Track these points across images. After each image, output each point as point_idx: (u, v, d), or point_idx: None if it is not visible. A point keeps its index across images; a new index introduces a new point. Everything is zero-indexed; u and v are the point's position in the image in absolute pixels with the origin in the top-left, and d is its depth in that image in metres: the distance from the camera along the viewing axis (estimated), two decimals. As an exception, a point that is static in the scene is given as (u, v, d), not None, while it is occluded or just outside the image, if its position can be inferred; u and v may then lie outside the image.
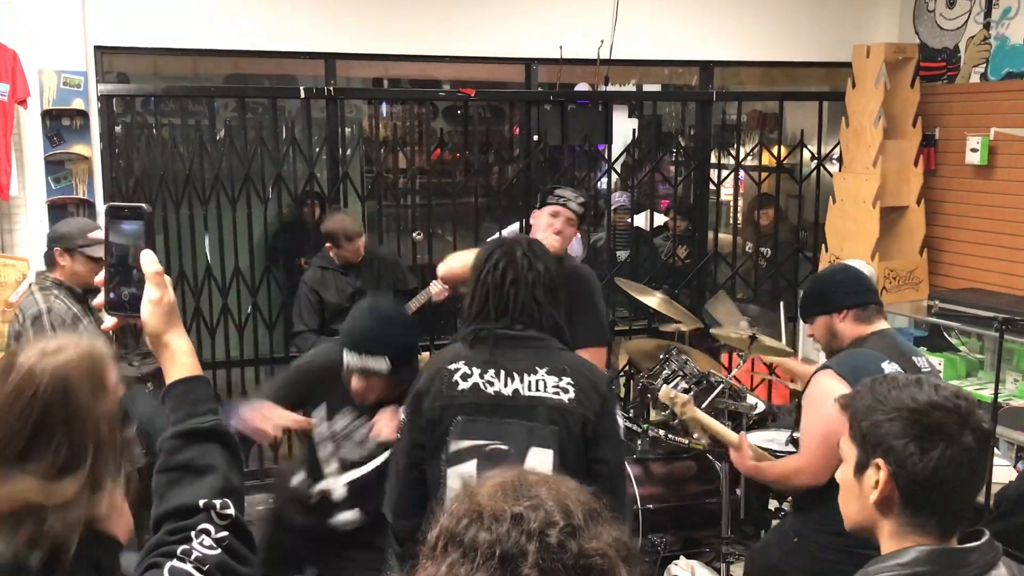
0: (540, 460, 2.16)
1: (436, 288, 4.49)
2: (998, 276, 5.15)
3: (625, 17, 5.33)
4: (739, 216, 6.52)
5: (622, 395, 5.77)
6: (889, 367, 2.68)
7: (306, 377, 2.99)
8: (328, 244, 4.70)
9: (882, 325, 2.89)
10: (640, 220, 6.20)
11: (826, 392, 2.61)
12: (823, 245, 5.63)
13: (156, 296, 1.43)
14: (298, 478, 2.99)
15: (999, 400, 3.67)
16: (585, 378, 2.28)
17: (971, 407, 1.53)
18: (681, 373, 4.37)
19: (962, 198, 5.40)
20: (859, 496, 1.59)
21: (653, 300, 4.80)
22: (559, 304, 2.35)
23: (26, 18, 4.51)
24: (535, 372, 2.24)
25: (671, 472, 4.48)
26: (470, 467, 2.21)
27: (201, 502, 1.30)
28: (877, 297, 2.94)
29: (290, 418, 2.85)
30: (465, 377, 2.26)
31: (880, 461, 1.53)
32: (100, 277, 1.46)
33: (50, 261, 3.62)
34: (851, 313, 2.87)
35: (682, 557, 4.01)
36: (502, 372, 2.25)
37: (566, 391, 2.23)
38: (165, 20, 4.74)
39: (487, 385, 2.25)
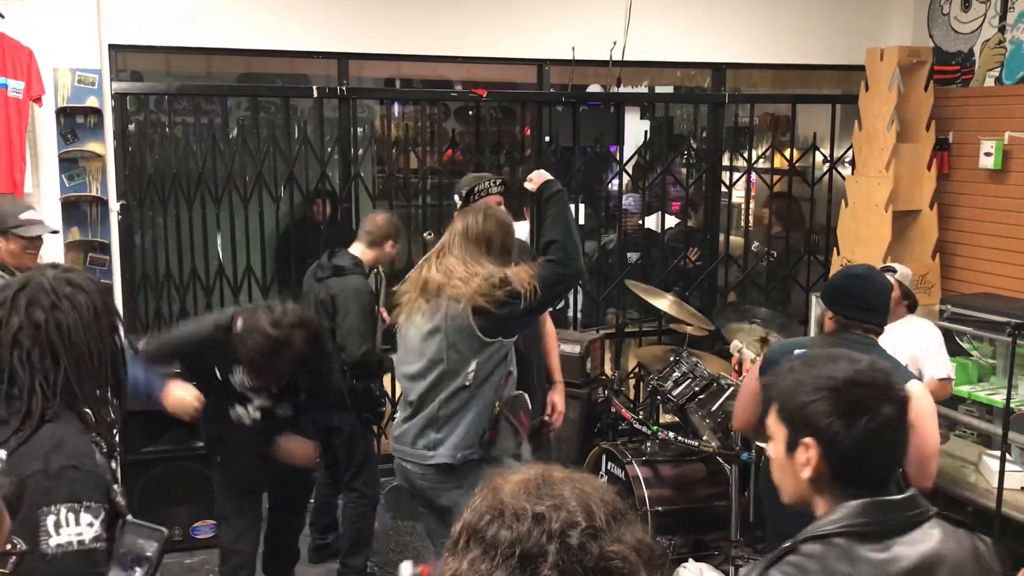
0: None
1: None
2: (1011, 281, 5.12)
3: (638, 19, 5.32)
4: (751, 219, 6.51)
5: (632, 397, 5.77)
6: (800, 353, 2.89)
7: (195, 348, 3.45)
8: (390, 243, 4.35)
9: (853, 331, 2.93)
10: (651, 222, 6.19)
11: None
12: (835, 248, 5.61)
13: None
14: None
15: (1012, 406, 3.64)
16: (18, 457, 1.73)
17: (887, 378, 1.62)
18: (691, 375, 4.37)
19: (975, 202, 5.37)
20: (792, 472, 1.66)
21: (664, 303, 4.79)
22: (76, 361, 1.82)
23: (41, 16, 4.53)
24: None
25: (680, 474, 4.48)
26: None
27: None
28: (868, 317, 2.94)
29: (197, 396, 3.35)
30: None
31: (809, 440, 1.61)
32: None
33: None
34: (835, 317, 3.00)
35: (691, 560, 4.00)
36: None
37: None
38: (179, 19, 4.75)
39: None
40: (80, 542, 1.67)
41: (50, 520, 1.65)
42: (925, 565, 1.54)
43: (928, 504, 1.62)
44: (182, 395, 3.32)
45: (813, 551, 1.55)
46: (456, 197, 3.70)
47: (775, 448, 1.70)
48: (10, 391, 1.78)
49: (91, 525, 1.69)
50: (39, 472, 1.69)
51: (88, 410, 1.84)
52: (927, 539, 1.57)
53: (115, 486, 1.85)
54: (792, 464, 1.65)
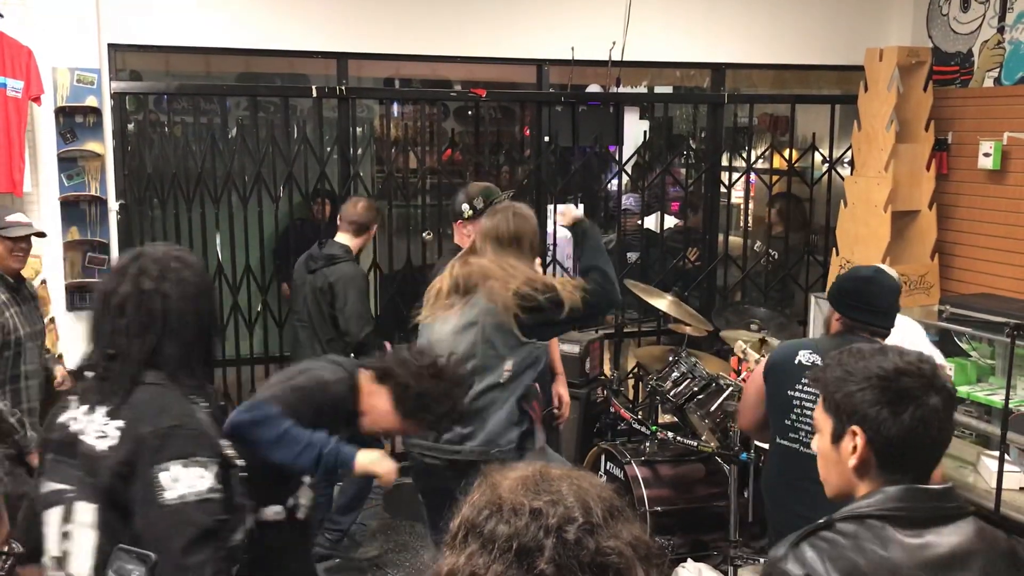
0: (84, 517, 1.87)
1: None
2: (1010, 281, 5.12)
3: (637, 19, 5.32)
4: (750, 219, 6.51)
5: (631, 397, 5.77)
6: (805, 355, 2.93)
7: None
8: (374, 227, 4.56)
9: (859, 334, 2.92)
10: (649, 222, 6.19)
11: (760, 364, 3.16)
12: (834, 248, 5.61)
13: None
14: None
15: (1010, 406, 3.64)
16: (134, 421, 1.87)
17: (934, 370, 1.65)
18: (690, 375, 4.37)
19: (974, 203, 5.37)
20: (838, 463, 1.69)
21: (663, 303, 4.79)
22: (171, 328, 1.95)
23: (41, 16, 4.53)
24: (96, 411, 1.91)
25: (679, 474, 4.48)
26: (55, 515, 1.91)
27: None
28: (875, 320, 2.94)
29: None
30: (64, 409, 2.00)
31: (856, 428, 1.64)
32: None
33: None
34: (842, 319, 3.00)
35: (689, 560, 4.01)
36: (85, 408, 1.94)
37: (108, 437, 1.87)
38: (178, 18, 4.76)
39: (72, 421, 1.94)
40: (196, 493, 1.80)
41: (164, 476, 1.79)
42: (957, 556, 1.57)
43: (964, 501, 1.65)
44: (378, 457, 2.54)
45: (847, 529, 1.59)
46: (466, 206, 3.76)
47: (821, 440, 1.73)
48: (109, 353, 1.92)
49: (202, 477, 1.82)
50: (149, 433, 1.83)
51: (186, 376, 1.97)
52: (960, 533, 1.59)
53: (222, 441, 1.99)
54: (838, 454, 1.68)
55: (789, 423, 2.95)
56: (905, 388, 1.61)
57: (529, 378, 3.21)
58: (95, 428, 1.88)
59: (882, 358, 1.65)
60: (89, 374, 1.98)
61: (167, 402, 1.90)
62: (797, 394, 2.92)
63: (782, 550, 1.61)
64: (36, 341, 3.80)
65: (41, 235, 3.96)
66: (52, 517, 1.90)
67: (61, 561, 1.88)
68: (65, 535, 1.88)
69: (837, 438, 1.68)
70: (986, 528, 1.64)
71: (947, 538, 1.58)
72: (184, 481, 1.79)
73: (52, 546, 1.90)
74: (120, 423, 1.86)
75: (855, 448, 1.64)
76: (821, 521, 1.62)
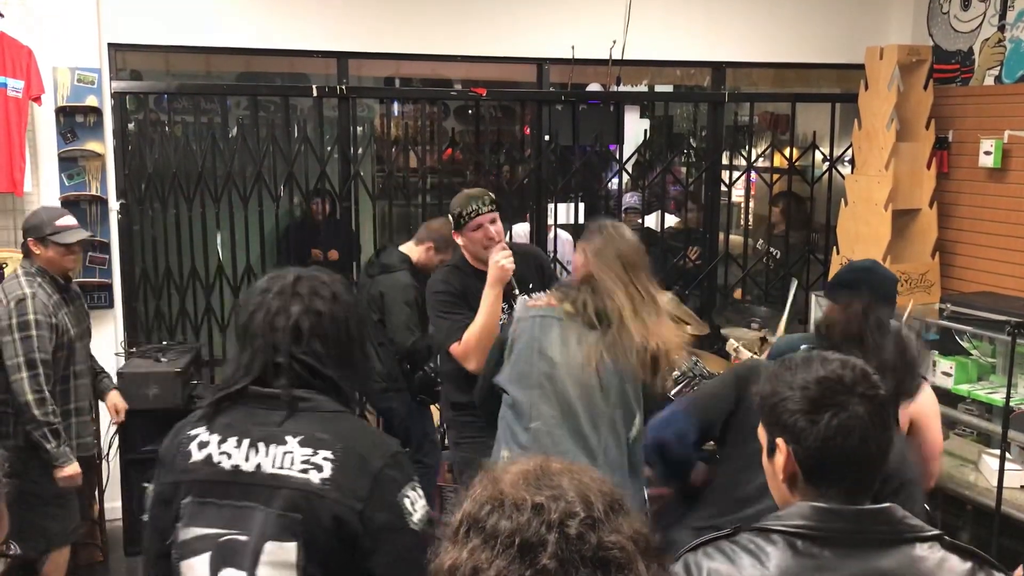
0: (278, 557, 1.70)
1: None
2: (1011, 280, 5.12)
3: (637, 18, 5.32)
4: (750, 217, 6.51)
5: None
6: (806, 349, 2.83)
7: None
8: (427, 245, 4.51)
9: None
10: (650, 221, 6.19)
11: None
12: (835, 247, 5.61)
13: None
14: None
15: (1011, 404, 3.65)
16: (354, 453, 1.74)
17: (857, 377, 1.56)
18: (691, 374, 4.36)
19: (975, 201, 5.37)
20: (774, 477, 1.62)
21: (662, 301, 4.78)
22: (344, 355, 1.87)
23: (41, 15, 4.53)
24: (284, 442, 1.75)
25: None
26: (202, 563, 1.75)
27: None
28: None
29: None
30: (202, 445, 1.80)
31: (779, 441, 1.57)
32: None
33: (27, 251, 3.76)
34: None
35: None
36: (245, 441, 1.77)
37: (319, 469, 1.72)
38: (178, 18, 4.76)
39: (223, 457, 1.77)
40: (427, 510, 1.81)
41: (407, 502, 1.76)
42: None
43: (919, 525, 1.54)
44: None
45: (743, 540, 1.54)
46: (449, 218, 3.56)
47: (763, 455, 1.67)
48: (278, 373, 1.81)
49: (421, 495, 1.82)
50: (384, 466, 1.76)
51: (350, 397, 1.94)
52: (889, 558, 1.49)
53: None
54: (773, 468, 1.62)
55: None
56: (821, 395, 1.53)
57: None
58: (296, 459, 1.73)
59: (806, 368, 1.58)
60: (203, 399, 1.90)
61: (368, 429, 1.93)
62: None
63: (684, 551, 1.57)
64: (84, 341, 3.86)
65: (92, 236, 4.07)
66: (198, 565, 1.75)
67: None
68: None
69: (770, 452, 1.61)
70: (947, 557, 1.51)
71: (861, 562, 1.48)
72: (419, 503, 1.78)
73: None
74: (328, 454, 1.73)
75: (782, 463, 1.58)
76: (727, 531, 1.57)
